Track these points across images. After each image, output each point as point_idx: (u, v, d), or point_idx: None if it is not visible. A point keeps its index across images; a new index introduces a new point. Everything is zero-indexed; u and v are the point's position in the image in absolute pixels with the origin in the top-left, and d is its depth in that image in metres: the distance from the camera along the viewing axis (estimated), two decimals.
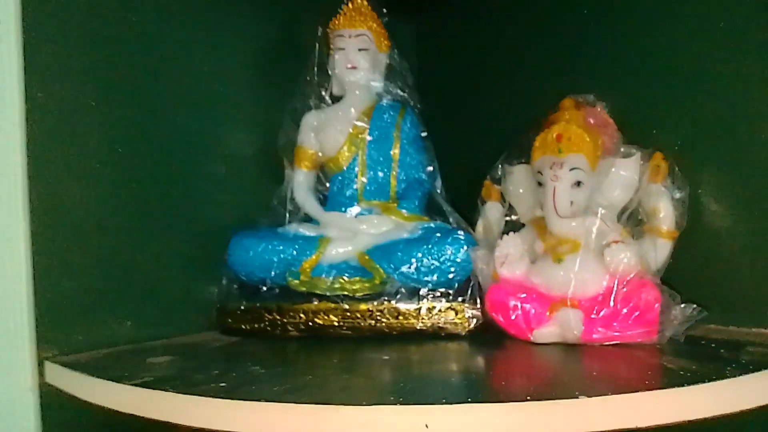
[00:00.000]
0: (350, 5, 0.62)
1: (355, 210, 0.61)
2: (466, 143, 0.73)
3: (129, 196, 0.53)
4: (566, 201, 0.47)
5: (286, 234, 0.58)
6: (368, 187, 0.62)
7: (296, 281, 0.54)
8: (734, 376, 0.33)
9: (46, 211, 0.47)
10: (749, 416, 0.34)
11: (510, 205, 0.57)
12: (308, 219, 0.62)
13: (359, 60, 0.60)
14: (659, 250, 0.48)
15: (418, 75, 0.77)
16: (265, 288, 0.56)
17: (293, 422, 0.31)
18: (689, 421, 0.32)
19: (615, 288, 0.45)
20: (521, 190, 0.55)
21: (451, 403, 0.30)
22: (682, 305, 0.45)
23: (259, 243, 0.55)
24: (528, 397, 0.31)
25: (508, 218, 0.56)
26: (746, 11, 0.47)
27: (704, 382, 0.33)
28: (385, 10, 0.63)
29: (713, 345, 0.43)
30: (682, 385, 0.32)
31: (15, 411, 0.45)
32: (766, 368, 0.35)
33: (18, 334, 0.46)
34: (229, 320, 0.56)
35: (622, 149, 0.51)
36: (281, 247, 0.55)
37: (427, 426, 0.30)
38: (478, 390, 0.36)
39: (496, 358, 0.46)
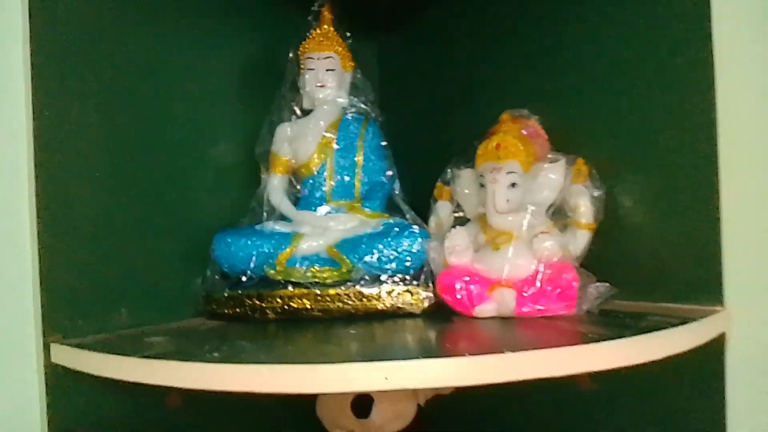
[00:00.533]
0: (318, 31, 0.64)
1: (324, 209, 0.64)
2: (421, 151, 0.76)
3: (126, 201, 0.56)
4: (503, 200, 0.51)
5: (264, 231, 0.60)
6: (336, 189, 0.65)
7: (273, 271, 0.57)
8: (630, 336, 0.38)
9: (51, 214, 0.50)
10: (646, 369, 0.39)
11: (458, 203, 0.60)
12: (283, 217, 0.64)
13: (327, 79, 0.63)
14: (579, 240, 0.51)
15: (379, 90, 0.80)
16: (245, 278, 0.58)
17: (280, 379, 0.35)
18: (595, 372, 0.37)
19: (541, 271, 0.49)
20: (467, 191, 0.59)
21: (405, 359, 0.35)
22: (597, 284, 0.49)
23: (240, 239, 0.58)
24: (466, 353, 0.36)
25: (456, 215, 0.60)
26: (661, 42, 0.50)
27: (605, 341, 0.37)
28: (348, 34, 0.66)
29: (621, 315, 0.47)
30: (587, 344, 0.37)
31: (23, 392, 0.48)
32: (657, 330, 0.40)
33: (25, 323, 0.49)
34: (215, 306, 0.59)
35: (550, 155, 0.54)
36: (260, 242, 0.58)
37: (386, 378, 0.35)
38: (427, 351, 0.41)
39: (445, 329, 0.49)
